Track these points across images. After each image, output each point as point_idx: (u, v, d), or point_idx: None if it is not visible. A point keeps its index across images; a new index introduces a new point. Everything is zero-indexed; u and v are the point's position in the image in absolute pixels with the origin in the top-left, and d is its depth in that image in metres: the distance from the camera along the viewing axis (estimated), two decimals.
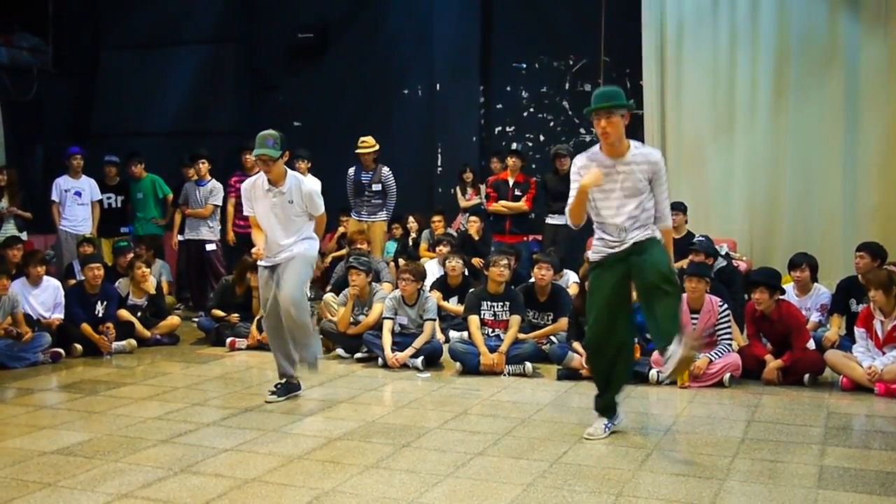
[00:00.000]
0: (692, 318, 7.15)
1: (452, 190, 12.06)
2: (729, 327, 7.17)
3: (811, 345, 7.28)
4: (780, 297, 7.31)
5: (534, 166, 12.28)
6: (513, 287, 8.14)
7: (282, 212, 6.34)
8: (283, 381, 6.60)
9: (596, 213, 5.38)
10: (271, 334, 6.58)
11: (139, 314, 8.83)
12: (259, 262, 6.47)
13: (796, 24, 11.07)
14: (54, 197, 10.73)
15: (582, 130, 12.67)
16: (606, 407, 5.62)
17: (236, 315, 8.90)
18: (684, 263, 8.30)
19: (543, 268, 8.03)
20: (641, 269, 5.23)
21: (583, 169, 5.34)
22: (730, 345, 7.13)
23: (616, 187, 5.27)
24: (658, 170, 5.30)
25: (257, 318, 8.51)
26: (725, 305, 7.21)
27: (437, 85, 13.16)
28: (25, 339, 7.74)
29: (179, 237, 10.93)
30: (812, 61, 11.06)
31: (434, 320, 7.91)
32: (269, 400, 6.47)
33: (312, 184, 6.61)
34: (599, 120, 5.21)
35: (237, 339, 8.61)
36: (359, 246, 9.66)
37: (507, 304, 7.67)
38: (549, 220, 10.48)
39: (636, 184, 5.24)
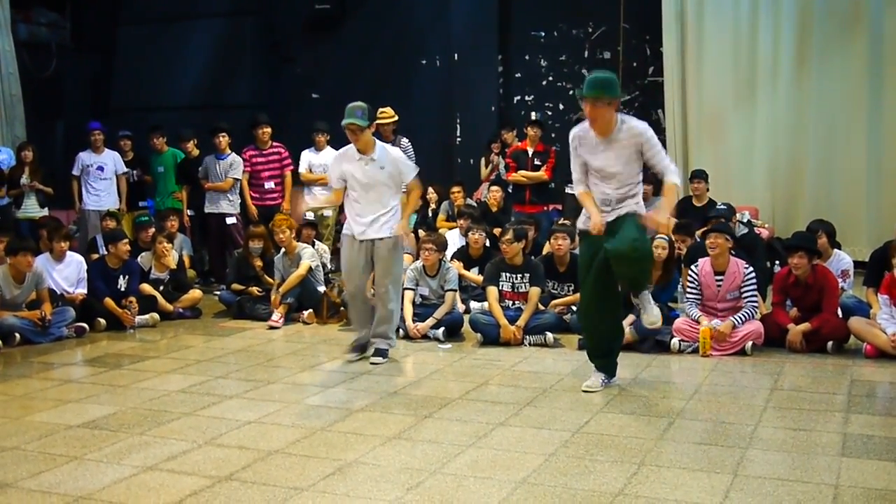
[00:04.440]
0: (717, 280, 7.10)
1: (473, 160, 12.05)
2: (755, 291, 7.08)
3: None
4: (817, 261, 7.23)
5: (553, 135, 12.20)
6: (533, 258, 8.11)
7: (373, 180, 6.68)
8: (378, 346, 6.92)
9: (593, 184, 5.74)
10: (352, 308, 7.01)
11: (161, 288, 8.88)
12: (346, 228, 6.83)
13: None
14: (75, 171, 10.80)
15: None
16: (607, 365, 6.01)
17: (257, 288, 8.91)
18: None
19: (560, 238, 7.99)
20: (613, 241, 5.52)
21: (576, 140, 5.74)
22: (755, 307, 7.05)
23: (604, 163, 5.60)
24: (644, 140, 5.55)
25: (276, 285, 8.61)
26: (751, 269, 7.13)
27: (456, 55, 13.10)
28: (46, 321, 7.76)
29: (190, 211, 10.96)
30: (835, 26, 10.91)
31: (455, 291, 7.90)
32: (373, 362, 6.78)
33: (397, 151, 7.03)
34: (586, 105, 5.49)
35: (273, 319, 8.46)
36: None
37: (527, 275, 7.62)
38: (568, 190, 10.41)
39: (621, 160, 5.57)
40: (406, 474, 4.35)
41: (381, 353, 6.87)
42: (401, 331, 7.73)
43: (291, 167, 10.63)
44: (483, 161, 11.79)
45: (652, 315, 5.80)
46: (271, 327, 8.35)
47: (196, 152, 10.92)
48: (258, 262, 9.07)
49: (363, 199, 6.72)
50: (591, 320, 5.90)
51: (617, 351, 6.05)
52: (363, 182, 6.69)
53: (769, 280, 8.20)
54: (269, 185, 10.56)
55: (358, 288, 6.90)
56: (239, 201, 10.64)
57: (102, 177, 10.83)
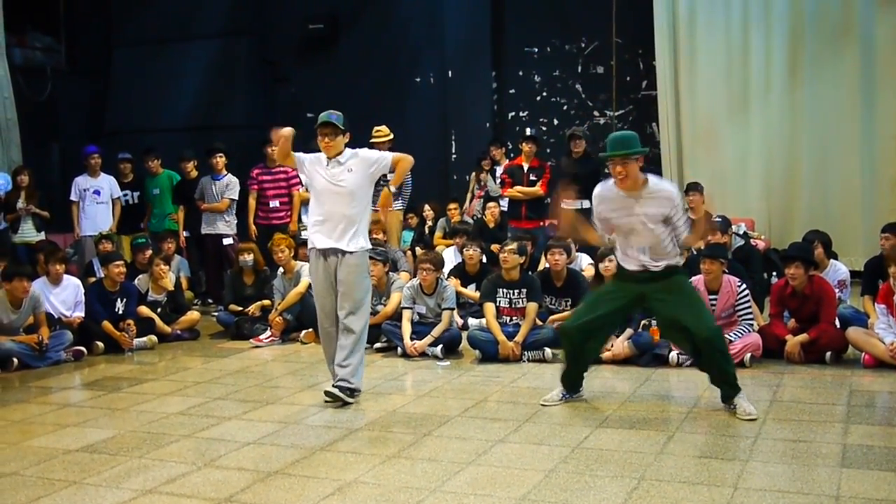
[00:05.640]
0: (711, 300, 7.11)
1: (469, 177, 12.08)
2: (749, 307, 7.11)
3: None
4: (814, 271, 7.23)
5: (548, 150, 12.24)
6: (530, 273, 8.10)
7: (339, 186, 5.98)
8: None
9: (618, 240, 5.71)
10: (324, 338, 6.27)
11: (159, 310, 8.87)
12: (310, 242, 6.13)
13: None
14: (73, 197, 10.81)
15: (595, 113, 12.63)
16: (573, 383, 6.02)
17: (257, 305, 8.89)
18: (701, 244, 8.26)
19: (556, 253, 8.00)
20: (674, 312, 5.62)
21: (598, 199, 5.70)
22: (751, 325, 7.07)
23: (633, 221, 5.55)
24: (674, 205, 5.52)
25: (276, 307, 8.58)
26: (744, 286, 7.15)
27: (450, 72, 13.15)
28: (43, 346, 7.74)
29: (186, 233, 10.95)
30: (827, 35, 10.97)
31: (452, 309, 7.89)
32: (328, 391, 6.06)
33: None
34: (615, 166, 5.45)
35: (260, 338, 8.54)
36: (375, 236, 9.66)
37: (524, 290, 7.62)
38: (563, 206, 10.41)
39: (649, 217, 5.50)
40: (406, 493, 4.34)
41: (341, 389, 6.00)
42: (398, 349, 7.74)
43: (299, 187, 10.59)
44: (474, 176, 11.83)
45: (746, 411, 5.51)
46: (255, 346, 8.37)
47: (195, 174, 10.93)
48: (249, 278, 9.07)
49: (326, 208, 6.03)
50: (579, 342, 5.88)
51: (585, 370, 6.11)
52: (326, 189, 6.03)
53: (766, 292, 8.20)
54: (275, 203, 10.54)
55: (328, 315, 6.13)
56: (235, 222, 10.64)
57: (99, 201, 10.84)
